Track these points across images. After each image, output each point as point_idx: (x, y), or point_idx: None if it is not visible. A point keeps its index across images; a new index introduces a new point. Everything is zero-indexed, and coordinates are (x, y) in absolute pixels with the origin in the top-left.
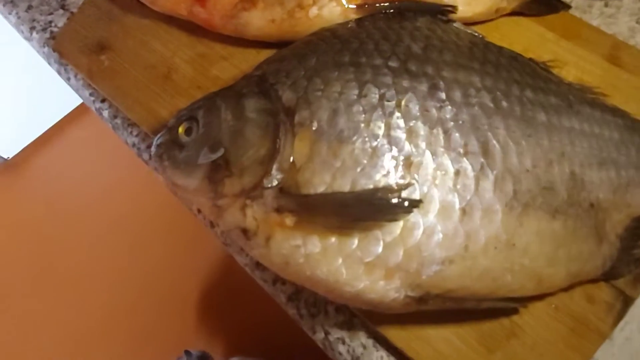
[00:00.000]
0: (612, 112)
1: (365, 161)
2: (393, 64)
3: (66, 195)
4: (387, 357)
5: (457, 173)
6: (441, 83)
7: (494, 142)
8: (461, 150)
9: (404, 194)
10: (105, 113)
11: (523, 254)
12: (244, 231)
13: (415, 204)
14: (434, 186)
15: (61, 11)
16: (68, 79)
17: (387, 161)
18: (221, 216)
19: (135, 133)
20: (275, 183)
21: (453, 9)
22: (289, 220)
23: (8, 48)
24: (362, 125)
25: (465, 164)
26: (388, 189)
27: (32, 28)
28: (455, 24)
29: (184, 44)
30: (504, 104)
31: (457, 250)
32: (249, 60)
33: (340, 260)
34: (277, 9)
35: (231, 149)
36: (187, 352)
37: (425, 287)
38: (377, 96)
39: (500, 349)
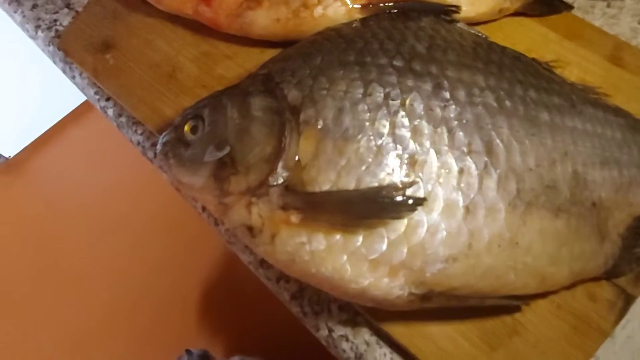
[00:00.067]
0: (614, 112)
1: (370, 159)
2: (398, 63)
3: (67, 195)
4: (390, 354)
5: (461, 172)
6: (445, 82)
7: (498, 141)
8: (465, 149)
9: (408, 192)
10: (110, 111)
11: (526, 253)
12: (250, 229)
13: (419, 202)
14: (438, 184)
15: (66, 10)
16: (73, 78)
17: (392, 159)
18: (227, 214)
19: (139, 131)
20: (280, 181)
21: (457, 9)
22: (295, 217)
23: (9, 48)
24: (367, 123)
25: (469, 162)
26: (393, 187)
27: (37, 27)
28: (458, 24)
29: (188, 43)
30: (508, 103)
31: (460, 248)
32: (254, 59)
33: (345, 258)
34: (282, 8)
35: (237, 147)
36: (188, 351)
37: (429, 285)
38: (382, 95)
39: (502, 346)
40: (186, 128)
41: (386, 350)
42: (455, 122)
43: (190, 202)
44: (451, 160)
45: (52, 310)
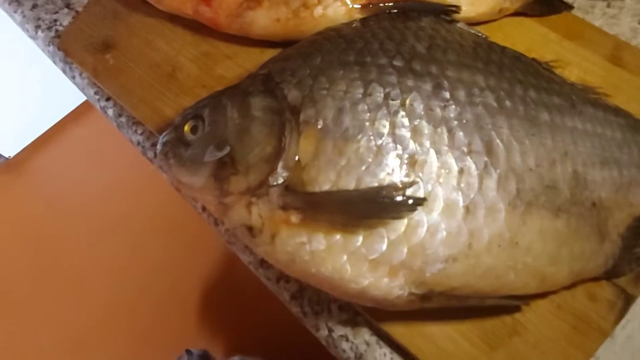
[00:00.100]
0: (614, 112)
1: (370, 159)
2: (398, 63)
3: (67, 195)
4: (390, 354)
5: (461, 172)
6: (445, 82)
7: (498, 141)
8: (465, 149)
9: (408, 192)
10: (110, 111)
11: (526, 253)
12: (250, 229)
13: (419, 202)
14: (438, 184)
15: (66, 10)
16: (73, 78)
17: (392, 159)
18: (227, 214)
19: (139, 131)
20: (280, 181)
21: (457, 9)
22: (295, 217)
23: (9, 47)
24: (367, 123)
25: (469, 162)
26: (393, 187)
27: (37, 27)
28: (458, 24)
29: (188, 43)
30: (508, 103)
31: (460, 248)
32: (253, 59)
33: (345, 258)
34: (282, 8)
35: (237, 147)
36: (188, 351)
37: (429, 285)
38: (382, 95)
39: (502, 346)
40: (186, 128)
41: (386, 350)
42: (455, 122)
43: (190, 202)
44: (451, 160)
45: (52, 310)
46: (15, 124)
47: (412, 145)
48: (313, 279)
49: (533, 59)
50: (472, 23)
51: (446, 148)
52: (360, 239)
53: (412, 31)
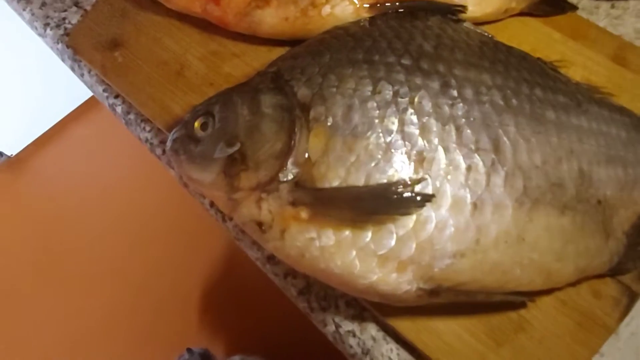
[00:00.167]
0: (619, 111)
1: (379, 156)
2: (406, 61)
3: (68, 193)
4: (396, 349)
5: (468, 168)
6: (453, 81)
7: (505, 138)
8: (473, 147)
9: (417, 188)
10: (119, 109)
11: (532, 249)
12: (259, 224)
13: (428, 198)
14: (446, 181)
15: (74, 8)
16: (82, 75)
17: (401, 156)
18: (236, 210)
19: (148, 129)
20: (290, 177)
21: (463, 8)
22: (304, 213)
23: (11, 46)
24: (377, 121)
25: (477, 159)
26: (401, 184)
27: (46, 24)
28: (465, 24)
29: (196, 42)
30: (514, 101)
31: (468, 244)
32: (261, 57)
33: (354, 253)
34: (291, 7)
35: (247, 144)
36: (189, 350)
37: (437, 280)
38: (391, 93)
39: (508, 342)
40: (196, 125)
41: (393, 345)
42: (463, 120)
43: (197, 198)
44: (459, 158)
45: (53, 308)
46: (17, 122)
47: (420, 143)
48: (322, 274)
49: (538, 59)
50: (478, 23)
51: (454, 145)
52: (369, 234)
53: (420, 30)
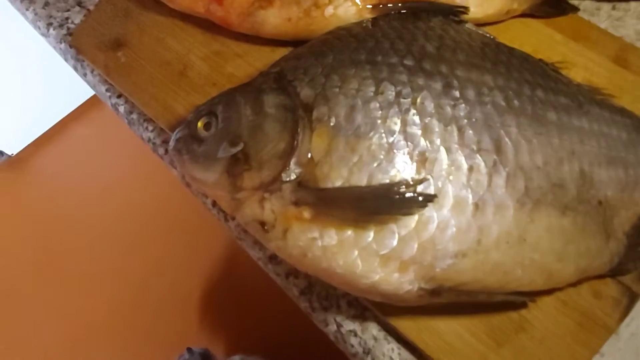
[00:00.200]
0: (620, 113)
1: (381, 156)
2: (408, 62)
3: (69, 192)
4: (397, 349)
5: (470, 169)
6: (455, 82)
7: (507, 139)
8: (474, 147)
9: (419, 188)
10: (122, 108)
11: (533, 249)
12: (262, 224)
13: (430, 198)
14: (448, 181)
15: (77, 8)
16: (84, 75)
17: (403, 157)
18: (239, 209)
19: (150, 128)
20: (293, 177)
21: (465, 10)
22: (307, 213)
23: (12, 46)
24: (379, 121)
25: (479, 160)
26: (404, 184)
27: (49, 24)
28: (467, 25)
29: (199, 42)
30: (516, 102)
31: (470, 244)
32: (264, 58)
33: (356, 253)
34: (294, 7)
35: (251, 144)
36: (189, 350)
37: (439, 280)
38: (394, 93)
39: (509, 342)
40: (199, 124)
41: (394, 345)
42: (465, 121)
43: (200, 198)
44: (461, 158)
45: (53, 308)
46: (18, 121)
47: (422, 143)
48: (324, 273)
49: (540, 60)
50: (480, 24)
51: (456, 146)
52: (372, 234)
53: (422, 31)
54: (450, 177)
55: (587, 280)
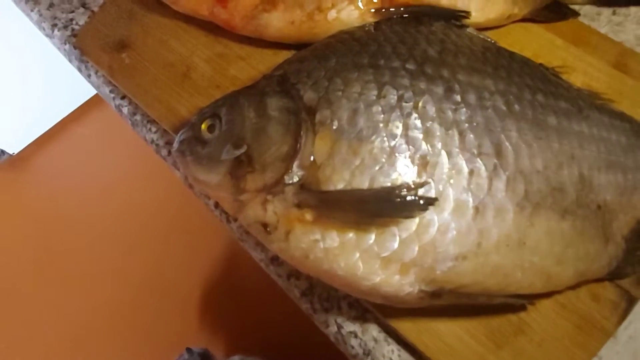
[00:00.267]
0: (619, 117)
1: (383, 160)
2: (410, 66)
3: (70, 191)
4: (397, 350)
5: (471, 173)
6: (456, 86)
7: (507, 143)
8: (475, 151)
9: (420, 192)
10: (125, 110)
11: (533, 252)
12: (265, 225)
13: (430, 201)
14: (449, 185)
15: (82, 9)
16: (89, 76)
17: (405, 160)
18: (242, 211)
19: (154, 130)
20: (296, 179)
21: (466, 14)
22: (309, 215)
23: (13, 46)
24: (381, 125)
25: (479, 164)
26: (405, 187)
27: (54, 25)
28: (468, 29)
29: (202, 44)
30: (517, 107)
31: (470, 247)
32: (267, 60)
33: (357, 255)
34: (297, 11)
35: (254, 146)
36: (189, 350)
37: (439, 282)
38: (396, 97)
39: (508, 344)
40: (203, 127)
41: (394, 347)
42: (466, 125)
43: (202, 199)
44: (462, 162)
45: (54, 307)
46: (19, 121)
47: (424, 147)
48: (326, 275)
49: (540, 65)
50: (481, 28)
51: (457, 150)
52: (373, 237)
53: (424, 35)
54: (451, 181)
55: (585, 283)
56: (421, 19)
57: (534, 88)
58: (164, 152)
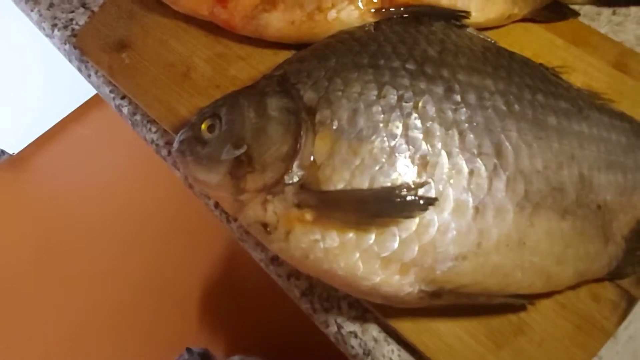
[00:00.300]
0: (619, 117)
1: (383, 160)
2: (410, 66)
3: (70, 191)
4: (397, 350)
5: (471, 173)
6: (456, 86)
7: (507, 143)
8: (475, 151)
9: (420, 192)
10: (125, 110)
11: (533, 252)
12: (265, 225)
13: (430, 201)
14: (449, 185)
15: (82, 9)
16: (89, 76)
17: (405, 160)
18: (242, 211)
19: (154, 130)
20: (296, 179)
21: (466, 14)
22: (309, 215)
23: (14, 46)
24: (381, 125)
25: (479, 164)
26: (405, 187)
27: (54, 25)
28: (468, 29)
29: (202, 44)
30: (517, 107)
31: (470, 247)
32: (266, 60)
33: (357, 255)
34: (297, 11)
35: (254, 146)
36: (189, 350)
37: (439, 282)
38: (396, 97)
39: (508, 344)
40: (203, 126)
41: (394, 347)
42: (466, 125)
43: (202, 199)
44: (462, 162)
45: (54, 306)
46: (19, 121)
47: (424, 147)
48: (326, 275)
49: (540, 64)
50: (481, 28)
51: (457, 150)
52: (373, 237)
53: (424, 35)
54: (451, 181)
55: (585, 283)
56: (421, 19)
57: (534, 88)
58: (164, 152)
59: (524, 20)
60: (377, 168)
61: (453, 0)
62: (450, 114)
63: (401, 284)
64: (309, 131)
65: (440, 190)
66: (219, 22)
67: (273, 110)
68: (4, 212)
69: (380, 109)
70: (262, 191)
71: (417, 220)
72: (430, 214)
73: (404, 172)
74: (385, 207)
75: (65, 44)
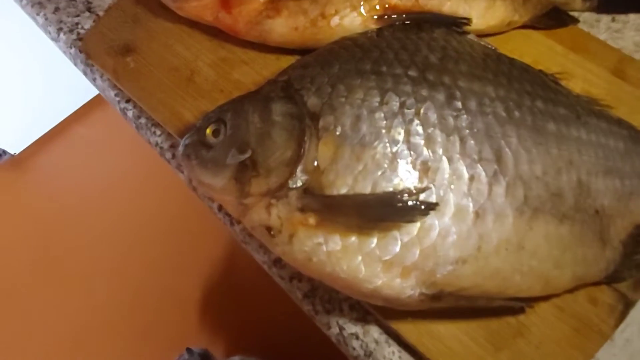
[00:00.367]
0: (617, 124)
1: (385, 165)
2: (412, 73)
3: (71, 192)
4: (398, 352)
5: (471, 178)
6: (457, 93)
7: (507, 149)
8: (476, 157)
9: (421, 197)
10: (130, 113)
11: (532, 256)
12: (268, 229)
13: (432, 206)
14: (450, 190)
15: (87, 13)
16: (94, 80)
17: (406, 166)
18: (246, 214)
19: (158, 133)
20: (299, 184)
21: (467, 21)
22: (312, 219)
23: (15, 47)
24: (384, 131)
25: (480, 170)
26: (407, 192)
27: (60, 29)
28: (469, 36)
29: (206, 48)
30: (516, 113)
31: (470, 251)
32: (270, 65)
33: (359, 258)
34: (301, 17)
35: (258, 151)
36: (189, 350)
37: (440, 285)
38: (398, 104)
39: (507, 347)
40: (208, 131)
41: (395, 348)
42: (467, 131)
43: (206, 202)
44: (462, 168)
45: (54, 306)
46: (20, 121)
47: (425, 153)
48: (328, 278)
49: (540, 71)
50: (482, 35)
51: (458, 156)
52: (375, 240)
53: (425, 42)
54: (452, 186)
55: (583, 287)
56: (423, 26)
57: (533, 94)
58: (168, 155)
59: (524, 27)
60: (379, 173)
61: (454, 7)
62: (451, 120)
63: (402, 286)
64: (313, 136)
65: (441, 195)
66: (223, 27)
67: (277, 116)
68: (5, 212)
69: (382, 115)
70: (267, 195)
71: (418, 224)
72: (432, 218)
73: (406, 177)
74: (387, 211)
75: (70, 47)
